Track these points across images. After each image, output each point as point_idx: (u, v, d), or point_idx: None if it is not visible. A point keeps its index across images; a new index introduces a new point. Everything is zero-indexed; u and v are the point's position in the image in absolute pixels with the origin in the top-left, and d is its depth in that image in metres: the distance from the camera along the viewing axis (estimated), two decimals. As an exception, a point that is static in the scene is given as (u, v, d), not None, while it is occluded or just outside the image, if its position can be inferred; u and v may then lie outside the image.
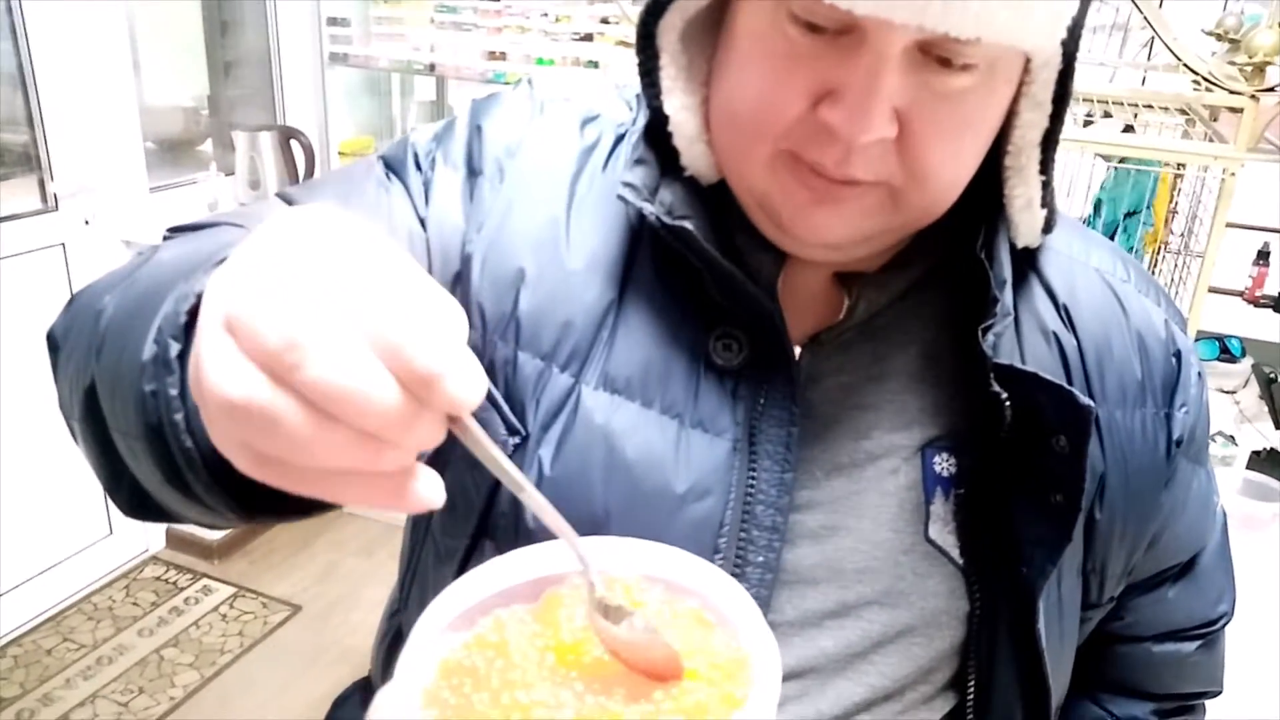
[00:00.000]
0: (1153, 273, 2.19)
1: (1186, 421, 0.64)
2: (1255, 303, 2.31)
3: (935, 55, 0.48)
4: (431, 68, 2.62)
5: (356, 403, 0.30)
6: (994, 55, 0.48)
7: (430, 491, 0.34)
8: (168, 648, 2.33)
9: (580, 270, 0.60)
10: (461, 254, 0.62)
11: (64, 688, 2.19)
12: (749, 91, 0.52)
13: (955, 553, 0.60)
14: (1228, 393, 2.18)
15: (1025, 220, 0.58)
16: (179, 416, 0.42)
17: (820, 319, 0.61)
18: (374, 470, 0.32)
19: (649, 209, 0.57)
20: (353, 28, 2.68)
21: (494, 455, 0.37)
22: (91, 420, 0.49)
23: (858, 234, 0.55)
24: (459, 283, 0.62)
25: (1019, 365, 0.57)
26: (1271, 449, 1.77)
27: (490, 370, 0.60)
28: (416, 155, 0.65)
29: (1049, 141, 0.55)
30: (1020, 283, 0.62)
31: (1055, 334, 0.62)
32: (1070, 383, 0.61)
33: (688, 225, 0.56)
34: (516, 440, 0.59)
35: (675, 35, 0.56)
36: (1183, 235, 2.08)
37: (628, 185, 0.57)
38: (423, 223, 0.62)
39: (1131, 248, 1.99)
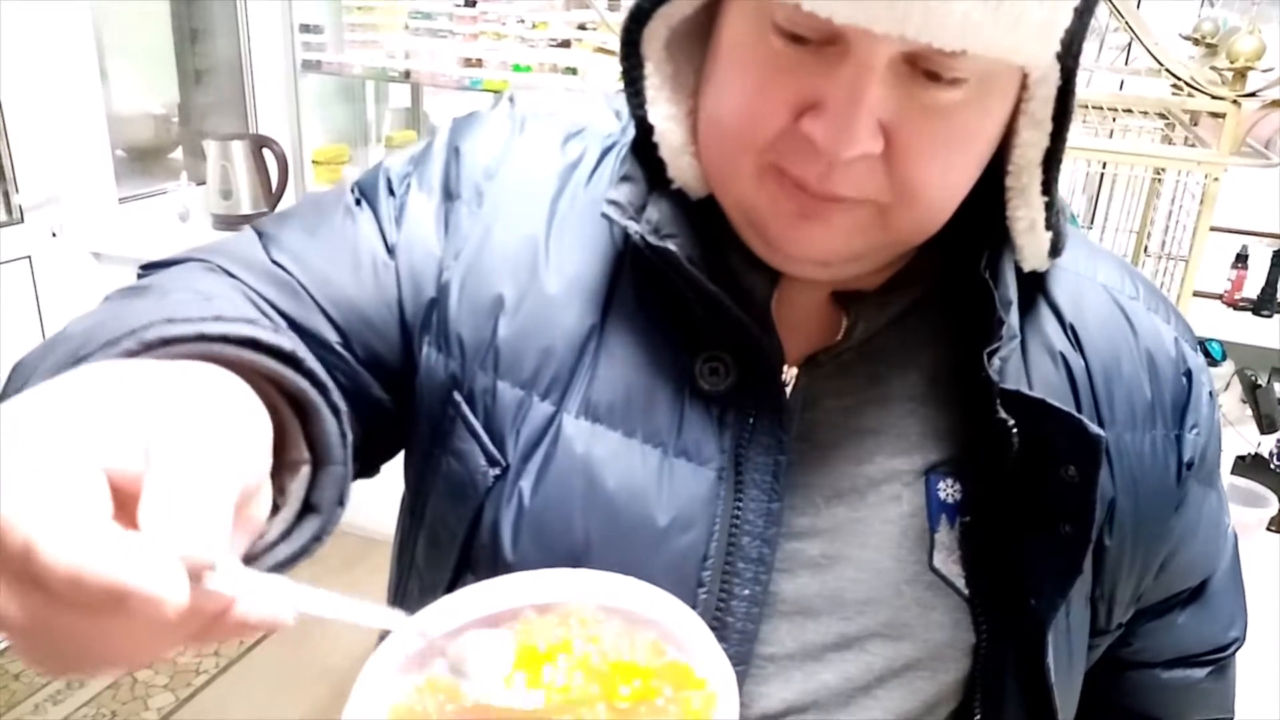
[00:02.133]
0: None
1: (1197, 443, 0.62)
2: (1234, 305, 2.33)
3: (922, 68, 0.46)
4: (406, 75, 2.58)
5: None
6: (985, 69, 0.46)
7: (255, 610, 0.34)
8: (141, 669, 2.28)
9: (560, 294, 0.58)
10: (438, 282, 0.60)
11: (33, 714, 2.13)
12: (732, 102, 0.50)
13: (961, 583, 0.58)
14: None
15: (1030, 243, 0.56)
16: None
17: (818, 339, 0.59)
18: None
19: (634, 228, 0.55)
20: (325, 34, 2.64)
21: (273, 592, 0.35)
22: None
23: (846, 251, 0.53)
24: (434, 309, 0.60)
25: (1026, 391, 0.55)
26: (1256, 454, 1.78)
27: (470, 399, 0.59)
28: (390, 180, 0.63)
29: (1051, 161, 0.53)
30: (1026, 302, 0.60)
31: (1062, 354, 0.60)
32: (1078, 405, 0.59)
33: (671, 247, 0.54)
34: (497, 472, 0.58)
35: (660, 44, 0.54)
36: (1163, 239, 2.09)
37: (612, 203, 0.56)
38: (391, 249, 0.61)
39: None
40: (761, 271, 0.56)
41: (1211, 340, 2.24)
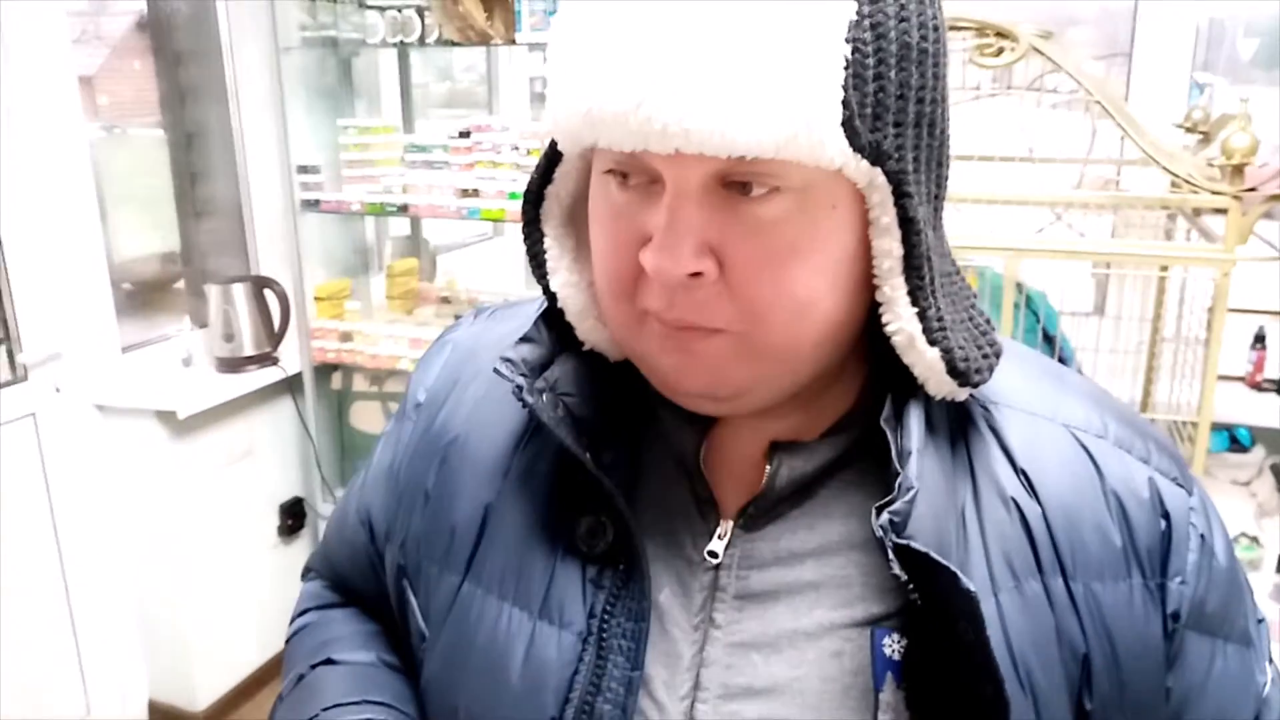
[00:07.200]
0: (1151, 364, 2.16)
1: (1184, 593, 0.57)
2: (1258, 387, 2.28)
3: (736, 183, 0.48)
4: (404, 208, 2.59)
5: None
6: (803, 179, 0.47)
7: None
8: None
9: (467, 474, 0.64)
10: (397, 489, 0.69)
11: None
12: (597, 256, 0.54)
13: None
14: (1242, 484, 2.11)
15: (919, 363, 0.53)
16: None
17: (754, 490, 0.58)
18: None
19: (519, 381, 0.57)
20: (322, 173, 2.66)
21: None
22: None
23: (728, 382, 0.53)
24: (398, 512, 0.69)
25: (914, 545, 0.51)
26: (1301, 553, 1.70)
27: (414, 584, 0.66)
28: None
29: (910, 271, 0.51)
30: (975, 442, 0.58)
31: (1015, 500, 0.56)
32: (1037, 555, 0.56)
33: (528, 398, 0.56)
34: (424, 645, 0.64)
35: (557, 220, 0.59)
36: (1176, 325, 2.05)
37: (505, 360, 0.58)
38: (389, 467, 0.73)
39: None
40: (690, 425, 0.58)
41: (1239, 426, 2.18)
